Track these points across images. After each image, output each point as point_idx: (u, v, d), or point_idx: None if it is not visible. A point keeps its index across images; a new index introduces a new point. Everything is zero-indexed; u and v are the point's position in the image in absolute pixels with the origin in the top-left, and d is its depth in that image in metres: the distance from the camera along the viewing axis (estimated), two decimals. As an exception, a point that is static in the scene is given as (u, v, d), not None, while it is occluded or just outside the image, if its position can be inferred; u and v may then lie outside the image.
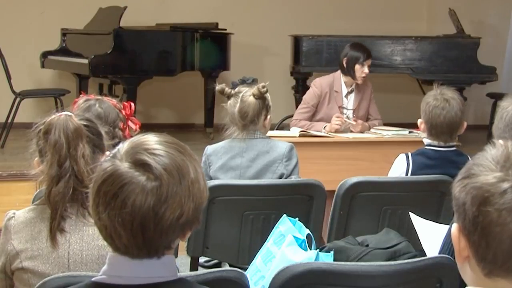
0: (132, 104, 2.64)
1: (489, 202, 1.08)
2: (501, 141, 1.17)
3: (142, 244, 1.28)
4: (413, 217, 2.52)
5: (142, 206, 1.26)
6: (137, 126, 2.62)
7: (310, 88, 4.82)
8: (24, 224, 1.85)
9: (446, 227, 2.26)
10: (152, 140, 1.34)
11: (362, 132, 4.70)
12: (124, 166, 1.28)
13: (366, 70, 4.66)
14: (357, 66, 4.65)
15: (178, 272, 1.40)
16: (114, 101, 2.58)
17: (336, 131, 4.62)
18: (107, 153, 1.95)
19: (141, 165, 1.28)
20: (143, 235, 1.27)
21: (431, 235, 2.34)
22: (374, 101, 4.86)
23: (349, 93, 4.76)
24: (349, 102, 4.78)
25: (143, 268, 1.31)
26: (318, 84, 4.74)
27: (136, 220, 1.26)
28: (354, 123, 4.67)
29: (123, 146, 1.33)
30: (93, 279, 1.34)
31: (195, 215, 1.32)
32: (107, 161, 1.32)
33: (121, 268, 1.31)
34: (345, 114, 4.73)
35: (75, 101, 2.56)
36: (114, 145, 2.22)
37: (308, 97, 4.77)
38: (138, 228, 1.27)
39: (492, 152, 1.14)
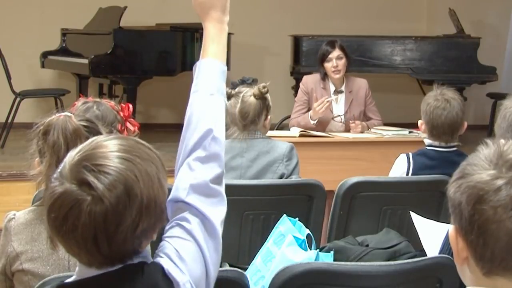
0: (131, 106, 2.65)
1: (484, 200, 1.09)
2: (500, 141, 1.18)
3: (102, 260, 1.27)
4: (414, 216, 2.51)
5: (92, 226, 1.24)
6: (136, 127, 2.62)
7: None
8: (24, 226, 1.86)
9: (447, 225, 2.26)
10: (96, 152, 1.29)
11: (362, 132, 4.70)
12: (70, 186, 1.25)
13: (334, 63, 4.60)
14: (325, 64, 4.64)
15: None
16: (112, 103, 2.59)
17: (324, 128, 4.63)
18: None
19: (85, 184, 1.25)
20: (100, 252, 1.26)
21: (432, 235, 2.33)
22: (373, 102, 4.80)
23: (338, 92, 4.73)
24: (339, 103, 4.76)
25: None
26: (304, 82, 4.79)
27: (89, 240, 1.24)
28: (338, 122, 4.69)
29: (70, 159, 1.29)
30: (66, 281, 1.34)
31: (155, 219, 1.30)
32: (55, 179, 1.28)
33: (89, 275, 1.30)
34: (339, 119, 4.74)
35: (73, 104, 2.57)
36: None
37: (298, 95, 4.82)
38: (92, 247, 1.25)
39: (485, 152, 1.14)
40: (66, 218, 1.24)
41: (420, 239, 2.38)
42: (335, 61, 4.60)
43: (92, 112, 2.47)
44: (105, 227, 1.24)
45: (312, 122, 4.57)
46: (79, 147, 1.32)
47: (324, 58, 4.63)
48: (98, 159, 1.27)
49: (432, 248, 2.26)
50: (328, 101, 4.51)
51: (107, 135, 1.37)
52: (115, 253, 1.27)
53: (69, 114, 1.86)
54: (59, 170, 1.30)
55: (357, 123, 4.66)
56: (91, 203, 1.24)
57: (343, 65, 4.63)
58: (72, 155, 1.30)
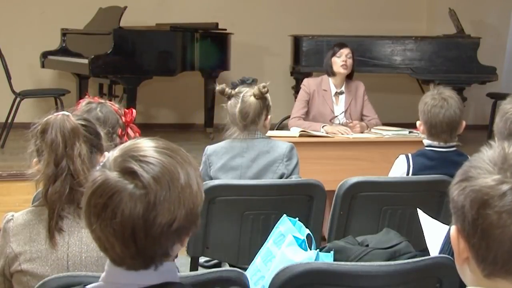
0: (134, 111, 2.64)
1: (488, 205, 1.08)
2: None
3: (135, 254, 1.27)
4: (420, 214, 2.50)
5: (132, 214, 1.25)
6: (137, 134, 2.62)
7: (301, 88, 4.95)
8: (22, 226, 1.85)
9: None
10: (141, 146, 1.32)
11: (362, 132, 4.71)
12: (113, 175, 1.27)
13: (343, 58, 4.72)
14: (333, 59, 4.75)
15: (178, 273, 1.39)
16: (116, 107, 2.58)
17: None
18: (106, 153, 1.95)
19: (129, 173, 1.27)
20: (135, 244, 1.26)
21: (437, 234, 2.32)
22: (368, 101, 4.91)
23: (338, 93, 4.82)
24: (340, 103, 4.81)
25: (139, 277, 1.29)
26: (306, 83, 4.88)
27: (127, 229, 1.25)
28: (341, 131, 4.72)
29: (113, 153, 1.32)
30: (87, 286, 1.34)
31: (189, 220, 1.30)
32: (98, 170, 1.31)
33: (117, 277, 1.30)
34: (337, 120, 4.77)
35: (78, 102, 2.58)
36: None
37: (300, 96, 4.90)
38: (129, 238, 1.25)
39: (488, 154, 1.13)
40: (106, 205, 1.26)
41: (425, 237, 2.37)
42: (344, 57, 4.72)
43: (95, 114, 2.47)
44: (145, 217, 1.25)
45: (321, 131, 4.61)
46: (120, 146, 1.34)
47: (335, 53, 4.74)
48: (142, 151, 1.30)
49: (435, 247, 2.26)
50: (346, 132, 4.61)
51: (135, 139, 1.38)
52: (149, 249, 1.27)
53: (66, 113, 1.87)
54: (101, 163, 1.32)
55: (355, 123, 4.71)
56: (134, 192, 1.25)
57: (350, 64, 4.77)
58: (114, 152, 1.32)
